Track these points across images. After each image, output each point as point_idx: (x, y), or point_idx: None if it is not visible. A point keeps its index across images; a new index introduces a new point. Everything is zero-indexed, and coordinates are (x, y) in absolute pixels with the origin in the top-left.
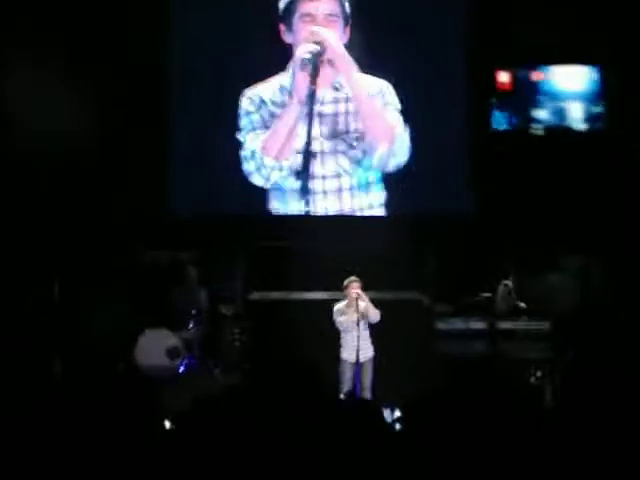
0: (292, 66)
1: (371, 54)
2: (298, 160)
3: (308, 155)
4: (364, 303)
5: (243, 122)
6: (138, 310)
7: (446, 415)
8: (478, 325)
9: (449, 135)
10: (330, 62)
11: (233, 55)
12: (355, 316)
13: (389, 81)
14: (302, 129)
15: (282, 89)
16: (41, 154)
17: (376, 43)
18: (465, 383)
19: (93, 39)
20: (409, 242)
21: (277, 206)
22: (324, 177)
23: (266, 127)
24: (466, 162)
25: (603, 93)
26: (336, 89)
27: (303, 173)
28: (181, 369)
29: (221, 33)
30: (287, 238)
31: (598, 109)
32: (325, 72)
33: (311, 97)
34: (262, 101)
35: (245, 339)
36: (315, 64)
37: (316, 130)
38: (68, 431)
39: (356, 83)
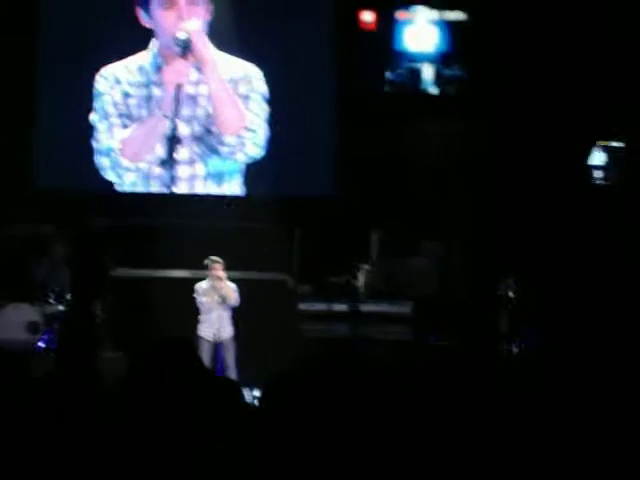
0: (156, 46)
1: (235, 33)
2: (156, 159)
3: (172, 143)
4: (225, 285)
5: (97, 103)
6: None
7: (304, 395)
8: (340, 307)
9: (313, 115)
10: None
11: (93, 30)
12: (216, 297)
13: (257, 64)
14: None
15: (141, 69)
16: None
17: (239, 21)
18: (325, 364)
19: None
20: (274, 223)
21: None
22: (178, 163)
23: (119, 113)
24: (330, 142)
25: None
26: (198, 69)
27: (167, 162)
28: (41, 344)
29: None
30: (151, 216)
31: (453, 71)
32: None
33: (177, 90)
34: (117, 80)
35: (107, 316)
36: (186, 49)
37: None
38: None
39: (212, 67)
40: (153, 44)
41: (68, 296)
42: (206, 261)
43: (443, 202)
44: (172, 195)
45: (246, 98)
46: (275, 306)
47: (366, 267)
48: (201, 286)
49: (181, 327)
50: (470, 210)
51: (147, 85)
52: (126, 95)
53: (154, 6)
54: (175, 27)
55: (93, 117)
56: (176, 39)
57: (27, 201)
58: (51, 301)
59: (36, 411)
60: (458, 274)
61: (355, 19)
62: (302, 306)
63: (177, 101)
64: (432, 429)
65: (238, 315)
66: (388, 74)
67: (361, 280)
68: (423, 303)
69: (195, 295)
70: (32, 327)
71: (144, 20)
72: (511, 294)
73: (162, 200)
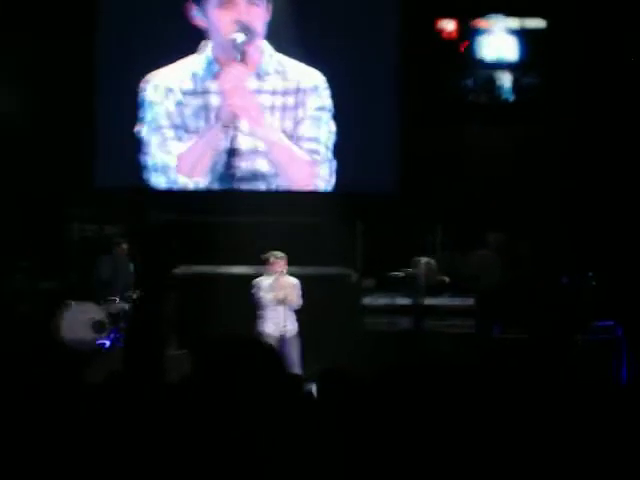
0: (211, 49)
1: (297, 34)
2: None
3: (233, 157)
4: (287, 281)
5: (147, 114)
6: (65, 283)
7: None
8: (403, 301)
9: (377, 115)
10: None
11: (146, 29)
12: (281, 294)
13: (320, 68)
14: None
15: (194, 76)
16: None
17: (301, 23)
18: (389, 357)
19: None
20: (337, 218)
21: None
22: (238, 180)
23: (173, 124)
24: (394, 142)
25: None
26: (259, 77)
27: (226, 179)
28: (107, 343)
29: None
30: (213, 212)
31: (529, 79)
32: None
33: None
34: (169, 89)
35: (171, 314)
36: (242, 52)
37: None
38: None
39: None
40: (206, 47)
41: (133, 294)
42: (269, 257)
43: (508, 196)
44: (233, 191)
45: (317, 120)
46: (338, 301)
47: (429, 260)
48: (263, 282)
49: (246, 324)
50: (537, 202)
51: (202, 93)
52: (180, 105)
53: (210, 4)
54: (232, 28)
55: (143, 129)
56: (233, 42)
57: (90, 201)
58: (116, 300)
59: (103, 411)
60: (523, 266)
61: (432, 26)
62: (365, 300)
63: (242, 56)
64: (504, 424)
65: (302, 310)
66: (467, 81)
67: (424, 273)
68: (487, 295)
69: (257, 291)
70: (98, 326)
71: (197, 19)
72: (578, 284)
73: (223, 196)
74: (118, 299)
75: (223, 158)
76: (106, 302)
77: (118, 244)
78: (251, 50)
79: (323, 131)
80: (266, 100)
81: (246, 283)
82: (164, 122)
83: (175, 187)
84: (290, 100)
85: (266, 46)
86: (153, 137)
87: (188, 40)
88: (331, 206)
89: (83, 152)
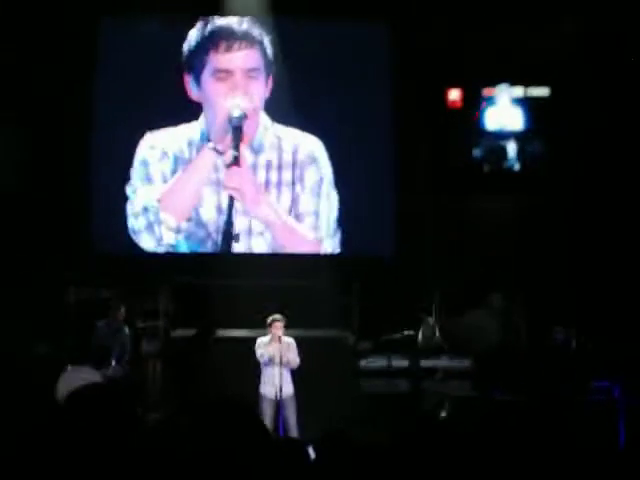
0: (204, 123)
1: (294, 102)
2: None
3: (229, 228)
4: (285, 344)
5: (137, 172)
6: (62, 346)
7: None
8: (400, 363)
9: (375, 181)
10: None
11: (143, 96)
12: (278, 351)
13: (317, 135)
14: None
15: (190, 144)
16: None
17: (300, 92)
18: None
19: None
20: (333, 280)
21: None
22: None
23: (164, 180)
24: (390, 205)
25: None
26: (254, 151)
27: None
28: None
29: (135, 71)
30: (209, 276)
31: (533, 147)
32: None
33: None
34: (164, 153)
35: (167, 376)
36: (239, 128)
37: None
38: None
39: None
40: (202, 120)
41: (128, 357)
42: (269, 320)
43: (504, 259)
44: (229, 254)
45: (317, 193)
46: (335, 363)
47: (426, 322)
48: (262, 342)
49: (242, 385)
50: (531, 265)
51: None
52: (174, 170)
53: (205, 76)
54: (227, 104)
55: (133, 184)
56: (229, 117)
57: (87, 266)
58: (112, 364)
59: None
60: (519, 327)
61: (438, 95)
62: (362, 363)
63: (237, 134)
64: None
65: (299, 373)
66: (474, 150)
67: (421, 336)
68: (484, 357)
69: (256, 349)
70: None
71: (193, 92)
72: (574, 345)
73: (221, 258)
74: (114, 363)
75: (217, 224)
76: (102, 366)
77: (115, 308)
78: (246, 124)
79: (324, 204)
80: (261, 175)
81: (244, 345)
82: (157, 178)
83: (167, 249)
84: (287, 175)
85: (262, 118)
86: (139, 190)
87: (187, 107)
88: (328, 268)
89: (80, 215)
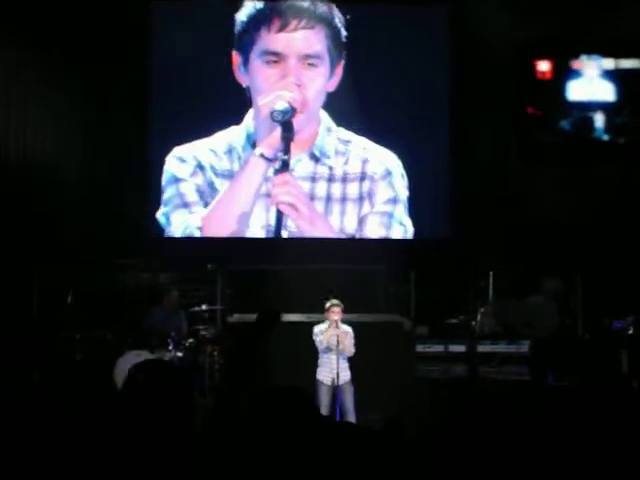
0: (252, 118)
1: (363, 106)
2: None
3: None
4: (341, 330)
5: (168, 193)
6: (119, 331)
7: (425, 436)
8: (458, 348)
9: (434, 164)
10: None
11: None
12: (335, 338)
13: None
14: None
15: (230, 151)
16: (29, 168)
17: (362, 89)
18: (444, 405)
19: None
20: (389, 265)
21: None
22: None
23: (203, 201)
24: (449, 188)
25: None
26: (315, 158)
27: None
28: None
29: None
30: (265, 261)
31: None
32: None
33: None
34: (200, 166)
35: (224, 361)
36: (288, 122)
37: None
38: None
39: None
40: (249, 117)
41: (186, 342)
42: (326, 304)
43: (563, 241)
44: (286, 238)
45: (388, 217)
46: (392, 348)
47: (483, 308)
48: (320, 330)
49: (299, 371)
50: (591, 249)
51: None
52: (211, 186)
53: (253, 57)
54: (276, 92)
55: (165, 210)
56: (271, 111)
57: (142, 251)
58: (170, 347)
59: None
60: (577, 312)
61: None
62: (419, 348)
63: (286, 133)
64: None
65: (356, 358)
66: (562, 123)
67: (478, 321)
68: (541, 342)
69: (314, 337)
70: None
71: (240, 75)
72: (631, 331)
73: (275, 244)
74: (171, 348)
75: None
76: (160, 350)
77: (169, 292)
78: (302, 122)
79: (396, 231)
80: (321, 189)
81: (301, 330)
82: (192, 198)
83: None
84: (353, 190)
85: (324, 118)
86: (173, 216)
87: (228, 110)
88: (385, 253)
89: (140, 202)
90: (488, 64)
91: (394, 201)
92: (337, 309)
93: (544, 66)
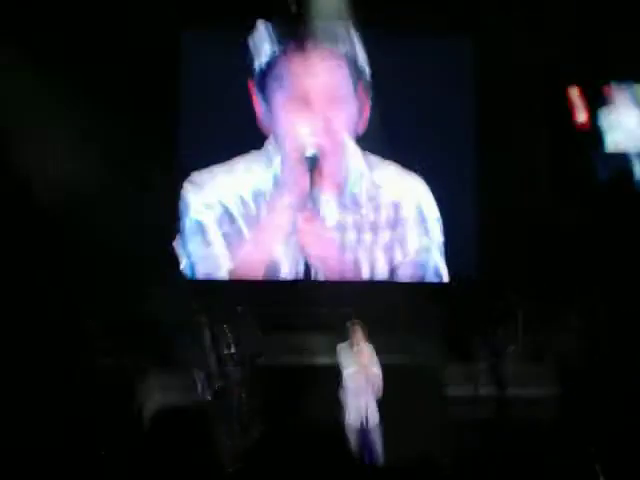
0: (277, 164)
1: (390, 138)
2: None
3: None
4: (366, 351)
5: (193, 242)
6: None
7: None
8: (487, 390)
9: (461, 198)
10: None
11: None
12: (363, 378)
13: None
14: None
15: (257, 196)
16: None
17: (392, 123)
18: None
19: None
20: (414, 307)
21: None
22: None
23: (230, 252)
24: (475, 229)
25: None
26: (344, 206)
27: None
28: None
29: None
30: (293, 303)
31: None
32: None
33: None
34: (227, 212)
35: (253, 403)
36: (317, 168)
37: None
38: None
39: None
40: (274, 160)
41: (215, 384)
42: (348, 324)
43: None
44: (315, 282)
45: (422, 264)
46: (421, 389)
47: (513, 347)
48: (343, 349)
49: (329, 413)
50: (616, 284)
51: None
52: (238, 230)
53: (277, 97)
54: (299, 136)
55: (191, 260)
56: (301, 157)
57: (177, 290)
58: (202, 386)
59: None
60: (605, 349)
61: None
62: (449, 389)
63: (314, 178)
64: None
65: (384, 400)
66: (600, 171)
67: (508, 361)
68: (573, 382)
69: (339, 359)
70: None
71: (261, 114)
72: None
73: (305, 287)
74: (200, 388)
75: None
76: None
77: (198, 320)
78: (332, 166)
79: (429, 274)
80: (350, 237)
81: (330, 374)
82: (218, 247)
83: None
84: (384, 237)
85: (356, 161)
86: (203, 262)
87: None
88: (410, 294)
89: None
90: (515, 94)
91: (427, 250)
92: (357, 327)
93: (574, 93)
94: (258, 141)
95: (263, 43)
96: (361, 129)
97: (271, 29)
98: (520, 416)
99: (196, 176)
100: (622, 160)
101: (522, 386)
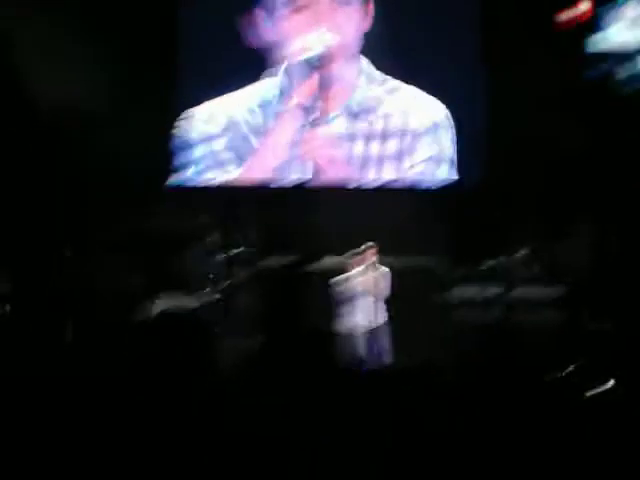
0: (282, 70)
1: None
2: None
3: None
4: (378, 271)
5: (199, 151)
6: (155, 274)
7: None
8: (493, 291)
9: (470, 107)
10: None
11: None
12: (372, 280)
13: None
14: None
15: (264, 105)
16: (56, 113)
17: (402, 33)
18: (479, 350)
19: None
20: (426, 209)
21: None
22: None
23: (238, 162)
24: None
25: None
26: (352, 114)
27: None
28: None
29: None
30: (300, 210)
31: None
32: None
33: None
34: (233, 122)
35: (258, 305)
36: (324, 68)
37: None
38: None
39: None
40: (280, 72)
41: (224, 284)
42: (362, 247)
43: (603, 186)
44: (320, 188)
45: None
46: (427, 291)
47: (521, 251)
48: (356, 273)
49: (334, 315)
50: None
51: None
52: (245, 140)
53: (279, 6)
54: (304, 39)
55: (197, 168)
56: (308, 56)
57: (182, 200)
58: (207, 289)
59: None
60: (616, 257)
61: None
62: (455, 291)
63: (324, 81)
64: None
65: (391, 300)
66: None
67: (516, 264)
68: (580, 287)
69: (348, 283)
70: None
71: (265, 31)
72: None
73: (310, 193)
74: (209, 289)
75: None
76: (197, 293)
77: (211, 236)
78: (339, 68)
79: (437, 183)
80: (359, 149)
81: (336, 275)
82: (224, 160)
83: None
84: (392, 146)
85: (364, 66)
86: (207, 175)
87: (258, 60)
88: (424, 197)
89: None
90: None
91: (437, 159)
92: (373, 250)
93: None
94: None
95: None
96: (367, 26)
97: None
98: (525, 319)
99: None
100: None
101: (528, 287)
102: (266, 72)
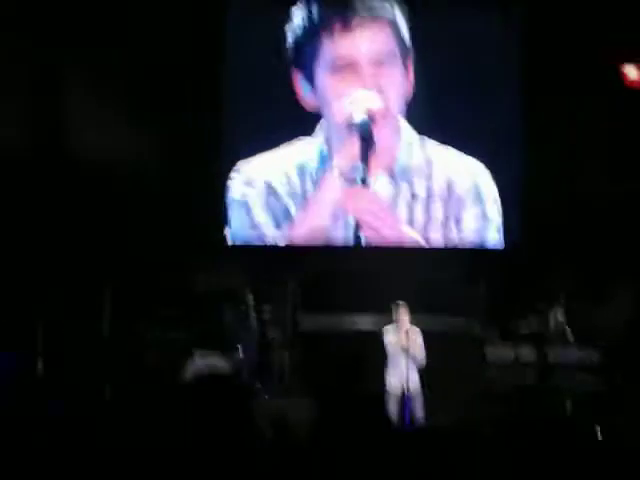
0: (324, 135)
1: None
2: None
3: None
4: (410, 332)
5: (237, 217)
6: (191, 333)
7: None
8: (527, 354)
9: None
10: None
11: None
12: (404, 341)
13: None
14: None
15: (302, 172)
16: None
17: (437, 93)
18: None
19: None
20: (460, 271)
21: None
22: None
23: (276, 226)
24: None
25: None
26: (396, 178)
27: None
28: None
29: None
30: (339, 267)
31: None
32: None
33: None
34: (271, 190)
35: (294, 365)
36: (367, 133)
37: None
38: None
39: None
40: (318, 134)
41: (257, 345)
42: (393, 308)
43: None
44: (358, 247)
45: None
46: (461, 353)
47: (555, 313)
48: (389, 330)
49: (369, 377)
50: None
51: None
52: (285, 211)
53: (320, 69)
54: (347, 102)
55: (234, 231)
56: (349, 124)
57: (221, 256)
58: (239, 350)
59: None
60: None
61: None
62: (489, 353)
63: (366, 145)
64: None
65: (425, 364)
66: None
67: (550, 326)
68: (615, 350)
69: (384, 339)
70: None
71: (305, 94)
72: None
73: (344, 251)
74: (242, 350)
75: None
76: (230, 352)
77: (243, 296)
78: (382, 132)
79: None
80: (402, 211)
81: (372, 338)
82: (262, 219)
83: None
84: (437, 211)
85: (405, 130)
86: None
87: (299, 119)
88: (454, 260)
89: (212, 206)
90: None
91: (484, 218)
92: (404, 309)
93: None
94: (305, 129)
95: (304, 20)
96: (409, 91)
97: (311, 5)
98: (560, 382)
99: (242, 164)
100: None
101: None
102: (307, 133)
